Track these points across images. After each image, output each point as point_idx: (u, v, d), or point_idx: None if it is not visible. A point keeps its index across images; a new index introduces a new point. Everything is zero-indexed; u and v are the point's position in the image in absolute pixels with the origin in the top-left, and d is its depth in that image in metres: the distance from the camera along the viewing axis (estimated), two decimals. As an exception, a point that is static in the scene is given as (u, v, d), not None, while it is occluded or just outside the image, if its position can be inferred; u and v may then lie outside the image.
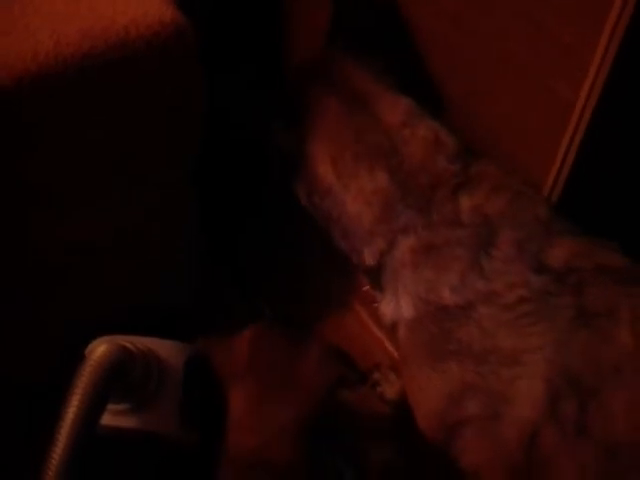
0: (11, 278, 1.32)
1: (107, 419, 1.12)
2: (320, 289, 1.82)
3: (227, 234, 1.85)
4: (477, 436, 1.05)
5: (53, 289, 1.41)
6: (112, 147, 1.26)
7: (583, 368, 0.96)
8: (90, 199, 1.31)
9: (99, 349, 1.10)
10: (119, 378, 1.10)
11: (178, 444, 1.18)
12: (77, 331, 1.37)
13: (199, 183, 1.51)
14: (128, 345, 1.13)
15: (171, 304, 1.58)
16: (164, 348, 1.20)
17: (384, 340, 1.72)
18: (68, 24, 1.12)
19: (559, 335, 0.97)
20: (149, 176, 1.37)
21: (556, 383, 0.97)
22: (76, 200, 1.29)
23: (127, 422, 1.15)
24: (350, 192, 1.14)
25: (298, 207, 1.86)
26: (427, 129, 1.14)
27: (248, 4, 1.67)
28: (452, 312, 1.04)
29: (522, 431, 1.00)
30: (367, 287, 1.29)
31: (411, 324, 1.09)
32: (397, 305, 1.12)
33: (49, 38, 1.09)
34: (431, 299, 1.06)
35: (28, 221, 1.27)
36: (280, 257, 1.86)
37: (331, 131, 1.16)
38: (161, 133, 1.31)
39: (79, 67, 1.10)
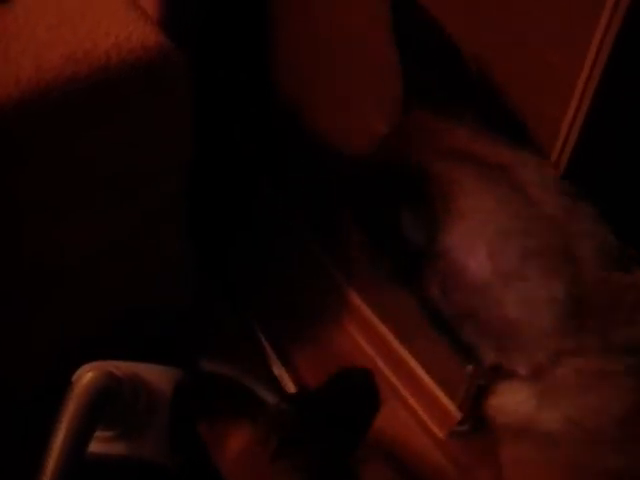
0: (6, 282, 1.31)
1: (95, 446, 1.10)
2: (310, 305, 1.81)
3: (217, 248, 1.85)
4: None
5: (48, 294, 1.40)
6: (102, 164, 1.26)
7: None
8: (82, 210, 1.30)
9: (86, 376, 1.09)
10: (107, 405, 1.09)
11: (167, 471, 1.17)
12: (71, 337, 1.37)
13: (190, 197, 1.50)
14: (115, 371, 1.12)
15: (166, 310, 1.57)
16: (152, 373, 1.18)
17: (374, 356, 1.71)
18: (50, 49, 1.11)
19: None
20: (140, 191, 1.37)
21: None
22: (68, 210, 1.29)
23: (115, 449, 1.14)
24: (512, 295, 0.94)
25: (288, 221, 1.87)
26: (590, 220, 0.95)
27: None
28: (610, 443, 0.95)
29: None
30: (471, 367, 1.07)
31: (551, 439, 0.97)
32: (537, 413, 0.97)
33: (31, 63, 1.09)
34: (588, 426, 0.95)
35: (23, 226, 1.26)
36: (270, 271, 1.86)
37: (481, 218, 0.95)
38: (151, 150, 1.31)
39: (62, 92, 1.10)
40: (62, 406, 1.05)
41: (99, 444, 1.13)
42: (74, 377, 1.18)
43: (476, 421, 1.49)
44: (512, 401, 0.99)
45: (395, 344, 1.65)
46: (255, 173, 1.94)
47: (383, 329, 1.68)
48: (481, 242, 0.93)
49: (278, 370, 1.67)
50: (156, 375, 1.19)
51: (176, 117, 1.29)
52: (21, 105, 1.08)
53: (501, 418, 1.01)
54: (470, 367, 1.04)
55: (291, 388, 1.64)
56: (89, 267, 1.41)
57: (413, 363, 1.62)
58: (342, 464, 1.08)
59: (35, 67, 1.09)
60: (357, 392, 1.10)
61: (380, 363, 1.70)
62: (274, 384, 1.65)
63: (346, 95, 1.40)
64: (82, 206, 1.29)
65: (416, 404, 1.64)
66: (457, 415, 1.55)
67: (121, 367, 1.16)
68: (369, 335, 1.72)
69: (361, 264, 1.65)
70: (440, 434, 1.60)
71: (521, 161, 0.96)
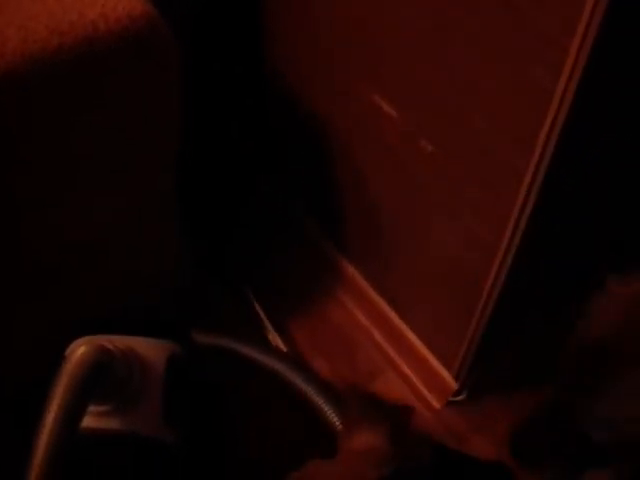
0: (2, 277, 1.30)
1: (88, 421, 1.11)
2: (304, 277, 1.81)
3: (212, 223, 1.84)
4: None
5: (45, 289, 1.39)
6: (91, 140, 1.23)
7: None
8: (73, 191, 1.28)
9: (79, 350, 1.09)
10: (100, 379, 1.09)
11: (161, 444, 1.18)
12: (68, 330, 1.36)
13: (186, 179, 1.49)
14: (108, 345, 1.12)
15: (164, 303, 1.56)
16: (145, 347, 1.19)
17: (369, 327, 1.71)
18: (35, 20, 1.09)
19: None
20: (133, 170, 1.35)
21: None
22: (61, 195, 1.27)
23: (109, 424, 1.14)
24: None
25: (279, 198, 1.87)
26: None
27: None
28: None
29: None
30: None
31: None
32: None
33: (16, 35, 1.07)
34: None
35: (21, 220, 1.25)
36: (264, 244, 1.85)
37: None
38: (140, 124, 1.29)
39: (48, 63, 1.08)
40: (55, 380, 1.05)
41: (93, 419, 1.13)
42: (67, 351, 1.18)
43: (471, 390, 1.50)
44: None
45: (390, 314, 1.65)
46: (250, 155, 1.93)
47: (378, 299, 1.67)
48: None
49: (274, 339, 1.67)
50: (149, 348, 1.19)
51: (164, 89, 1.27)
52: (6, 77, 1.06)
53: None
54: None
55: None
56: (84, 265, 1.40)
57: (409, 333, 1.62)
58: None
59: (20, 39, 1.07)
60: None
61: (375, 333, 1.70)
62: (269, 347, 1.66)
63: (346, 80, 1.38)
64: (72, 187, 1.27)
65: (412, 374, 1.64)
66: (453, 385, 1.55)
67: (114, 341, 1.16)
68: (364, 306, 1.72)
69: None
70: (436, 404, 1.60)
71: None
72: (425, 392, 1.62)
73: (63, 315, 1.41)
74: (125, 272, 1.48)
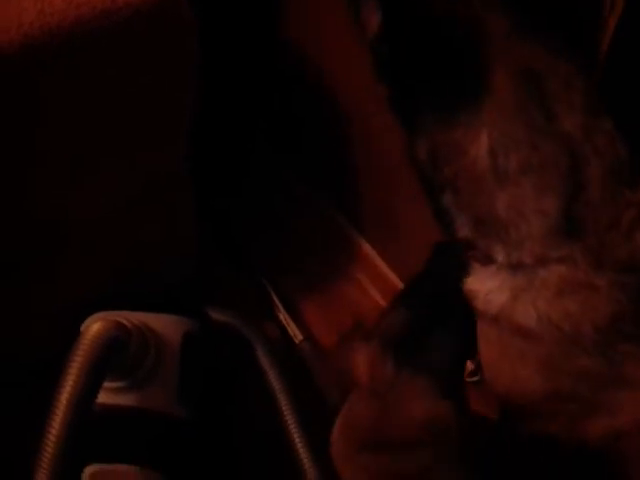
0: (13, 250, 1.30)
1: (104, 397, 1.10)
2: (319, 255, 1.80)
3: (223, 201, 1.83)
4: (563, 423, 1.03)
5: (53, 263, 1.39)
6: (108, 112, 1.23)
7: None
8: (89, 165, 1.28)
9: (94, 326, 1.08)
10: (115, 355, 1.09)
11: (175, 420, 1.17)
12: (78, 307, 1.36)
13: (196, 163, 1.48)
14: (124, 321, 1.12)
15: (173, 279, 1.56)
16: (161, 323, 1.18)
17: (384, 306, 1.70)
18: (52, -7, 1.08)
19: None
20: (145, 147, 1.34)
21: None
22: (76, 165, 1.26)
23: (124, 400, 1.14)
24: (504, 196, 0.94)
25: (294, 174, 1.85)
26: (606, 138, 0.93)
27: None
28: (585, 345, 0.96)
29: (607, 432, 0.99)
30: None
31: (525, 332, 0.99)
32: (511, 305, 0.99)
33: (33, 7, 1.06)
34: (565, 328, 0.96)
35: (36, 199, 1.25)
36: (278, 223, 1.85)
37: (496, 114, 0.93)
38: (156, 99, 1.28)
39: (65, 36, 1.07)
40: (70, 356, 1.05)
41: (108, 395, 1.13)
42: (82, 327, 1.17)
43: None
44: (485, 288, 1.00)
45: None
46: (264, 134, 1.92)
47: (393, 278, 1.67)
48: (486, 137, 0.93)
49: (284, 317, 1.66)
50: (165, 325, 1.18)
51: (181, 62, 1.26)
52: (24, 50, 1.05)
53: (477, 303, 1.02)
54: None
55: (298, 336, 1.63)
56: (90, 238, 1.40)
57: (424, 312, 1.61)
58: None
59: (37, 11, 1.06)
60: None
61: (391, 313, 1.69)
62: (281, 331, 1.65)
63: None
64: (89, 160, 1.27)
65: (426, 353, 1.63)
66: (469, 364, 1.54)
67: (130, 317, 1.15)
68: (379, 284, 1.71)
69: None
70: (451, 383, 1.59)
71: (553, 70, 0.93)
72: (440, 372, 1.61)
73: (79, 293, 1.41)
74: (139, 245, 1.48)
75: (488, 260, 1.00)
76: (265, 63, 1.75)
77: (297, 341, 1.63)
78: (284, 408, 1.35)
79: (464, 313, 1.05)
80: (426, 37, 0.93)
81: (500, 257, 0.97)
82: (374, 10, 0.98)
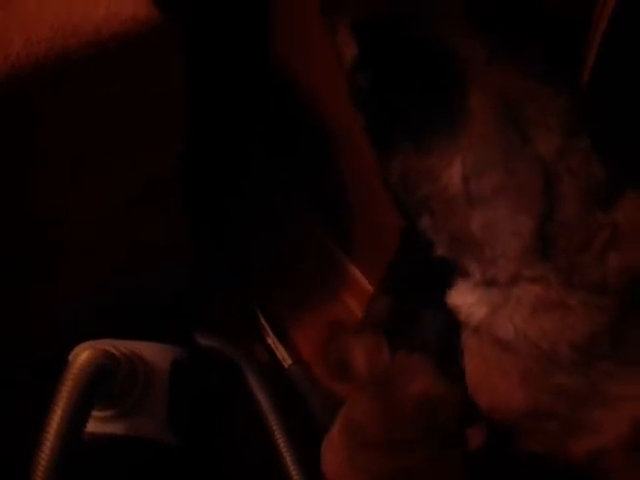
0: (12, 250, 1.30)
1: (93, 426, 1.10)
2: (307, 277, 1.80)
3: (213, 222, 1.83)
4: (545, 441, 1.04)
5: (52, 263, 1.39)
6: (96, 136, 1.24)
7: None
8: (81, 177, 1.28)
9: (83, 355, 1.08)
10: (103, 384, 1.08)
11: (165, 448, 1.17)
12: (78, 307, 1.36)
13: (186, 170, 1.48)
14: (112, 350, 1.12)
15: (164, 285, 1.56)
16: (150, 351, 1.18)
17: (373, 329, 1.71)
18: (39, 22, 1.08)
19: None
20: (138, 162, 1.35)
21: None
22: (71, 176, 1.27)
23: (113, 428, 1.14)
24: (478, 216, 0.95)
25: (285, 194, 1.86)
26: (581, 158, 0.94)
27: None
28: (562, 363, 0.97)
29: (591, 450, 0.99)
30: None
31: (504, 345, 1.00)
32: (490, 319, 1.00)
33: (20, 37, 1.06)
34: (542, 346, 0.97)
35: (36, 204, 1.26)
36: (267, 244, 1.85)
37: (470, 140, 0.94)
38: (146, 123, 1.29)
39: (52, 66, 1.07)
40: (59, 385, 1.05)
41: (97, 423, 1.13)
42: (71, 356, 1.17)
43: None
44: (465, 302, 1.01)
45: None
46: (251, 144, 1.92)
47: (382, 302, 1.67)
48: (460, 163, 0.93)
49: (272, 341, 1.66)
50: (154, 353, 1.18)
51: (169, 88, 1.26)
52: (10, 80, 1.05)
53: (460, 316, 1.03)
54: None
55: (287, 360, 1.63)
56: (90, 238, 1.40)
57: (412, 336, 1.62)
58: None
59: (24, 41, 1.07)
60: None
61: (379, 335, 1.69)
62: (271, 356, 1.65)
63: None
64: (81, 173, 1.27)
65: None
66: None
67: (118, 345, 1.15)
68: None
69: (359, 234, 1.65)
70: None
71: (530, 94, 0.94)
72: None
73: (78, 293, 1.41)
74: (137, 245, 1.48)
75: (466, 275, 1.01)
76: (257, 73, 1.75)
77: (286, 365, 1.62)
78: (275, 431, 1.35)
79: (442, 284, 1.06)
80: (403, 65, 0.94)
81: (476, 274, 0.99)
82: (349, 42, 0.99)
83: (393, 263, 1.27)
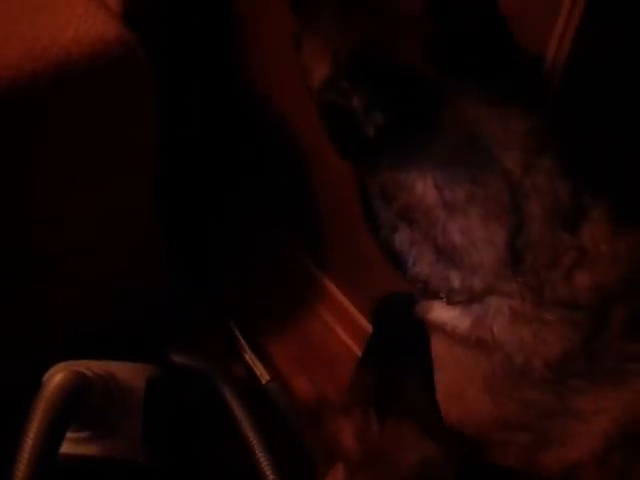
0: None
1: (68, 447, 1.10)
2: (283, 292, 1.81)
3: (189, 238, 1.83)
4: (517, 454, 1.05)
5: (26, 286, 1.38)
6: (65, 159, 1.23)
7: None
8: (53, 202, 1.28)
9: (56, 377, 1.08)
10: (77, 406, 1.08)
11: (141, 468, 1.17)
12: (48, 331, 1.35)
13: (162, 188, 1.48)
14: (86, 371, 1.12)
15: (143, 305, 1.55)
16: (124, 371, 1.18)
17: (349, 343, 1.71)
18: (7, 45, 1.09)
19: (630, 396, 0.96)
20: (109, 184, 1.34)
21: (615, 438, 0.97)
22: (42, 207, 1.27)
23: (89, 449, 1.13)
24: (455, 223, 0.97)
25: (259, 210, 1.87)
26: (546, 177, 0.96)
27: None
28: (534, 379, 0.98)
29: (564, 464, 1.00)
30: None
31: (478, 350, 1.02)
32: (472, 328, 1.01)
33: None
34: (516, 359, 0.98)
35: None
36: (242, 260, 1.85)
37: (436, 154, 0.96)
38: (117, 142, 1.29)
39: (21, 89, 1.07)
40: (32, 407, 1.04)
41: (73, 445, 1.12)
42: (45, 378, 1.17)
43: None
44: (447, 316, 1.02)
45: (370, 330, 1.65)
46: (227, 164, 1.93)
47: (358, 315, 1.67)
48: (430, 172, 0.96)
49: (250, 357, 1.66)
50: (128, 373, 1.18)
51: (140, 107, 1.27)
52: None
53: (443, 330, 1.04)
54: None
55: (265, 376, 1.63)
56: (64, 262, 1.39)
57: (389, 349, 1.62)
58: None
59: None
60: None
61: (355, 349, 1.69)
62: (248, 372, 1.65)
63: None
64: (53, 201, 1.27)
65: (393, 389, 1.63)
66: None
67: (92, 366, 1.15)
68: (344, 321, 1.72)
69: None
70: (418, 419, 1.60)
71: (491, 115, 0.96)
72: (406, 407, 1.62)
73: (46, 317, 1.40)
74: (106, 267, 1.48)
75: (443, 294, 1.02)
76: (227, 92, 1.76)
77: (264, 381, 1.63)
78: (253, 448, 1.35)
79: (424, 352, 1.07)
80: (379, 87, 0.95)
81: (456, 282, 1.00)
82: (320, 62, 1.00)
83: (372, 338, 1.30)
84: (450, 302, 1.01)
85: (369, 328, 1.65)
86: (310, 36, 1.04)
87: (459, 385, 1.05)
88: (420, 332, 1.07)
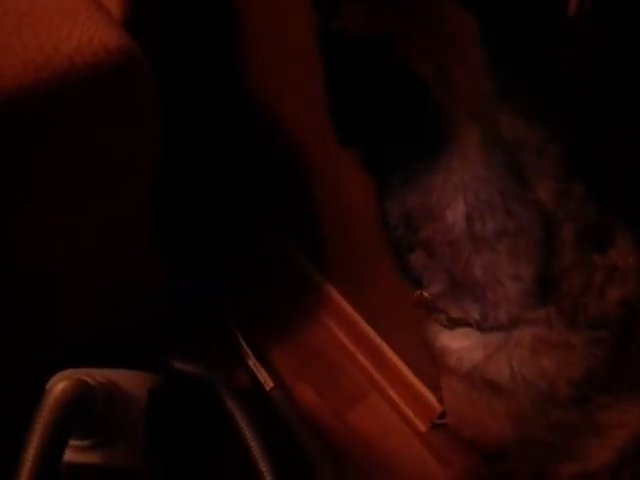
0: None
1: (71, 456, 1.10)
2: (286, 298, 1.81)
3: (191, 245, 1.84)
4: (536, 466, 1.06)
5: (24, 299, 1.38)
6: (67, 170, 1.24)
7: None
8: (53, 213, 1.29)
9: (59, 385, 1.08)
10: (80, 414, 1.08)
11: (143, 477, 1.17)
12: (51, 340, 1.35)
13: (163, 195, 1.49)
14: (88, 380, 1.12)
15: (146, 313, 1.56)
16: (126, 379, 1.18)
17: (352, 349, 1.71)
18: (10, 55, 1.09)
19: None
20: (110, 194, 1.35)
21: (630, 450, 0.98)
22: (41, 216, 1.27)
23: (91, 458, 1.13)
24: (480, 259, 0.94)
25: (261, 217, 1.87)
26: (578, 203, 0.94)
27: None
28: (559, 400, 0.98)
29: (579, 476, 1.01)
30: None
31: (496, 388, 1.00)
32: (484, 362, 0.99)
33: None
34: (540, 385, 0.97)
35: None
36: (245, 267, 1.85)
37: (471, 181, 0.91)
38: (119, 152, 1.29)
39: (24, 98, 1.08)
40: (35, 416, 1.04)
41: (75, 453, 1.12)
42: (47, 386, 1.17)
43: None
44: (457, 346, 1.00)
45: (373, 336, 1.65)
46: (228, 171, 1.93)
47: (361, 322, 1.67)
48: (462, 201, 0.91)
49: (254, 364, 1.66)
50: (131, 381, 1.18)
51: (143, 115, 1.27)
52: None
53: (448, 360, 1.02)
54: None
55: (269, 383, 1.63)
56: (63, 272, 1.40)
57: (392, 355, 1.62)
58: None
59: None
60: None
61: (359, 356, 1.70)
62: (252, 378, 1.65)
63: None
64: (51, 211, 1.27)
65: (396, 396, 1.64)
66: (438, 407, 1.55)
67: (94, 375, 1.15)
68: (347, 328, 1.72)
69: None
70: (421, 426, 1.60)
71: (525, 138, 0.92)
72: (410, 415, 1.62)
73: (51, 326, 1.40)
74: (108, 277, 1.48)
75: (458, 322, 1.00)
76: (229, 100, 1.76)
77: (268, 388, 1.63)
78: (255, 456, 1.35)
79: None
80: (393, 97, 0.91)
81: (476, 316, 0.97)
82: None
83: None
84: (481, 329, 0.98)
85: (372, 335, 1.65)
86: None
87: (477, 417, 1.04)
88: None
